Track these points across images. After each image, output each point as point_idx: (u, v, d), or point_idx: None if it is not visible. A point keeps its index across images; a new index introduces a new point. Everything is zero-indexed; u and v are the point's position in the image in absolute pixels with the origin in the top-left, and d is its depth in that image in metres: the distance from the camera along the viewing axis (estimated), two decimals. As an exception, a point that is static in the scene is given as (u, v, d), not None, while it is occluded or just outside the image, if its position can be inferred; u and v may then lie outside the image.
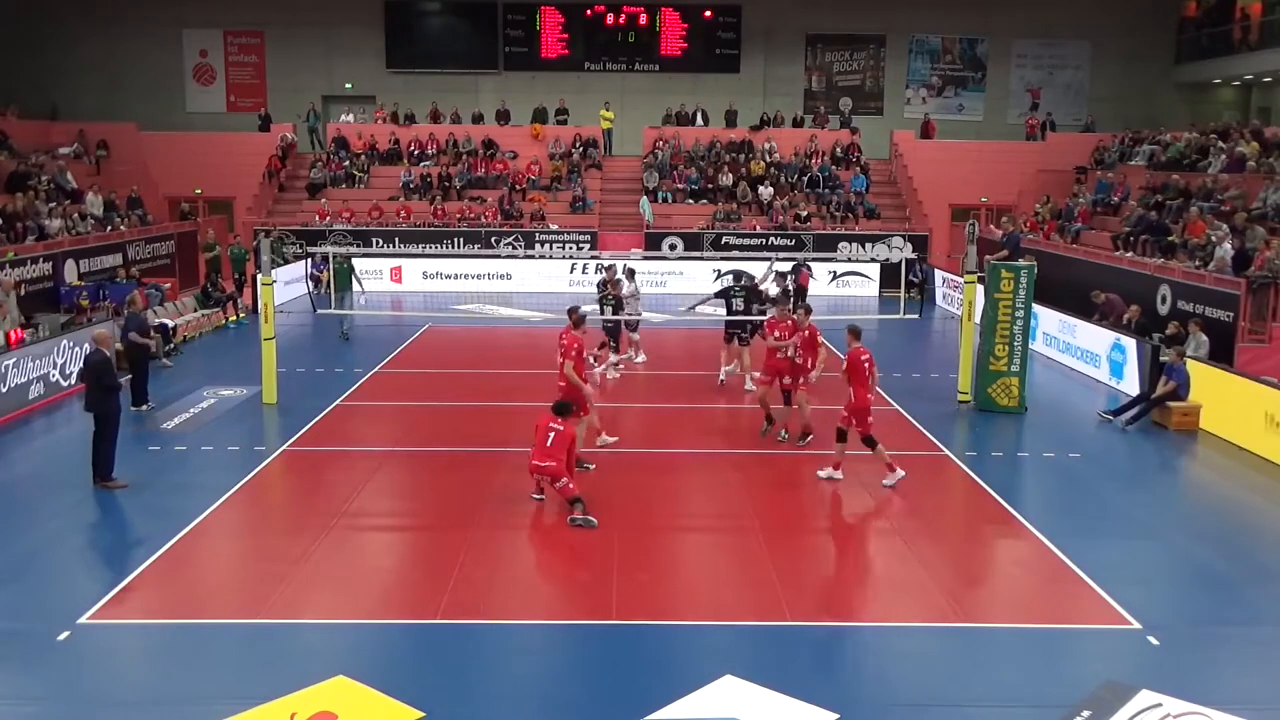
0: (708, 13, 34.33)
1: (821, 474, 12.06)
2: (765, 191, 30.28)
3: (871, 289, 27.54)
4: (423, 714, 6.97)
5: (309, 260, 22.08)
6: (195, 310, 21.63)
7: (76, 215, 23.76)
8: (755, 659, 7.81)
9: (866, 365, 11.79)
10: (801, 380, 13.40)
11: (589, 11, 34.19)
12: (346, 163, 31.19)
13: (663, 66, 34.50)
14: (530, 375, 16.41)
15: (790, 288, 18.28)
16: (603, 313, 16.92)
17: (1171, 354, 14.96)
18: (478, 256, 27.47)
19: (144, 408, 14.87)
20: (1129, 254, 21.52)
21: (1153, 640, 8.19)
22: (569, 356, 11.99)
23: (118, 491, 11.35)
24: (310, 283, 24.13)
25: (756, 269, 18.46)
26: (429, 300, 25.41)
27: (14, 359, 14.49)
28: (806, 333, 13.47)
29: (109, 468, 11.49)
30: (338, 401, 15.42)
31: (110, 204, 25.59)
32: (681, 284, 26.41)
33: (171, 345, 18.64)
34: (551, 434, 10.71)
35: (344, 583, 9.19)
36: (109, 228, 24.53)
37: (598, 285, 18.44)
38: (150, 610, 8.71)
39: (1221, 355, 15.71)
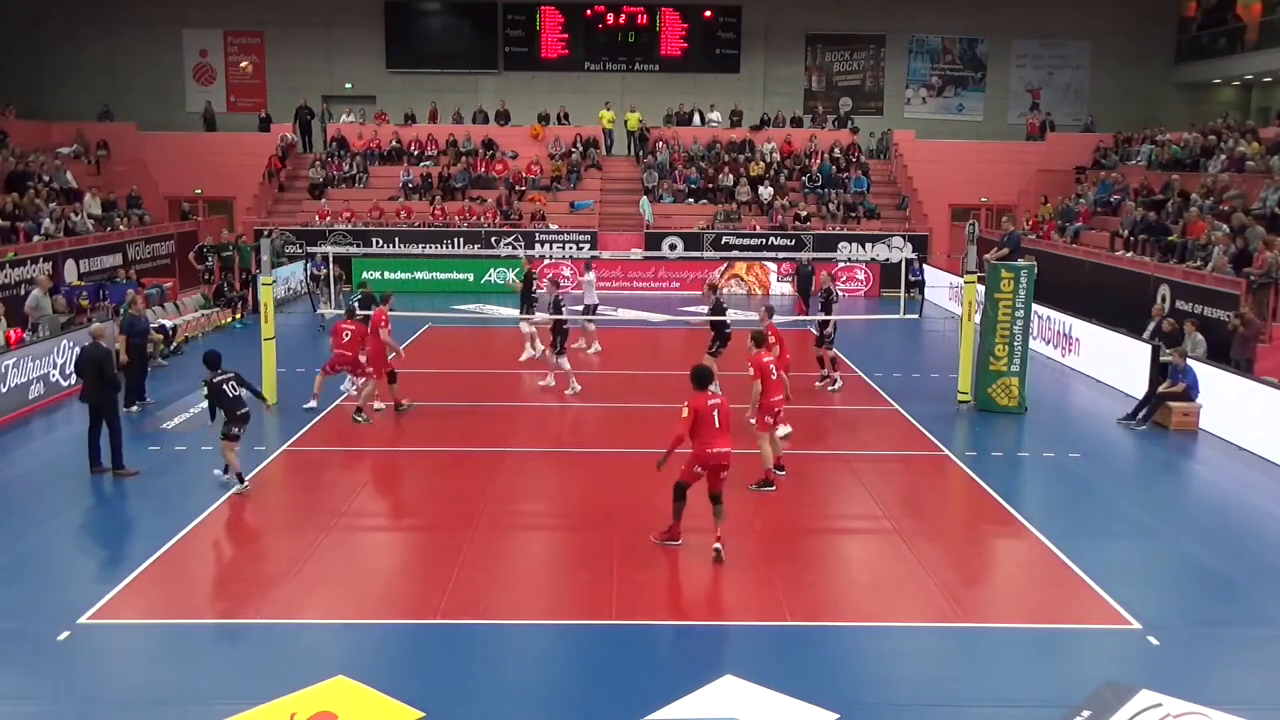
0: (708, 13, 34.31)
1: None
2: (765, 191, 30.29)
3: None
4: (423, 714, 6.96)
5: (309, 260, 22.08)
6: (196, 310, 21.63)
7: (72, 214, 23.73)
8: (755, 659, 7.81)
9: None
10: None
11: (589, 11, 34.16)
12: (346, 163, 31.18)
13: (663, 66, 34.47)
14: (530, 375, 16.43)
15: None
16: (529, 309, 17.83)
17: (1174, 355, 14.96)
18: (478, 257, 27.48)
19: (134, 408, 14.83)
20: (1129, 254, 21.53)
21: (1153, 640, 8.18)
22: None
23: (126, 482, 11.65)
24: (310, 282, 24.19)
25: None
26: (429, 300, 25.37)
27: (14, 359, 14.49)
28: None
29: (119, 457, 11.87)
30: (338, 402, 15.41)
31: (110, 204, 25.59)
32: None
33: (173, 346, 18.64)
34: (715, 411, 9.60)
35: (344, 583, 9.18)
36: (109, 228, 24.54)
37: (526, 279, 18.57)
38: (150, 610, 8.71)
39: (1220, 355, 15.71)
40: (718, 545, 9.60)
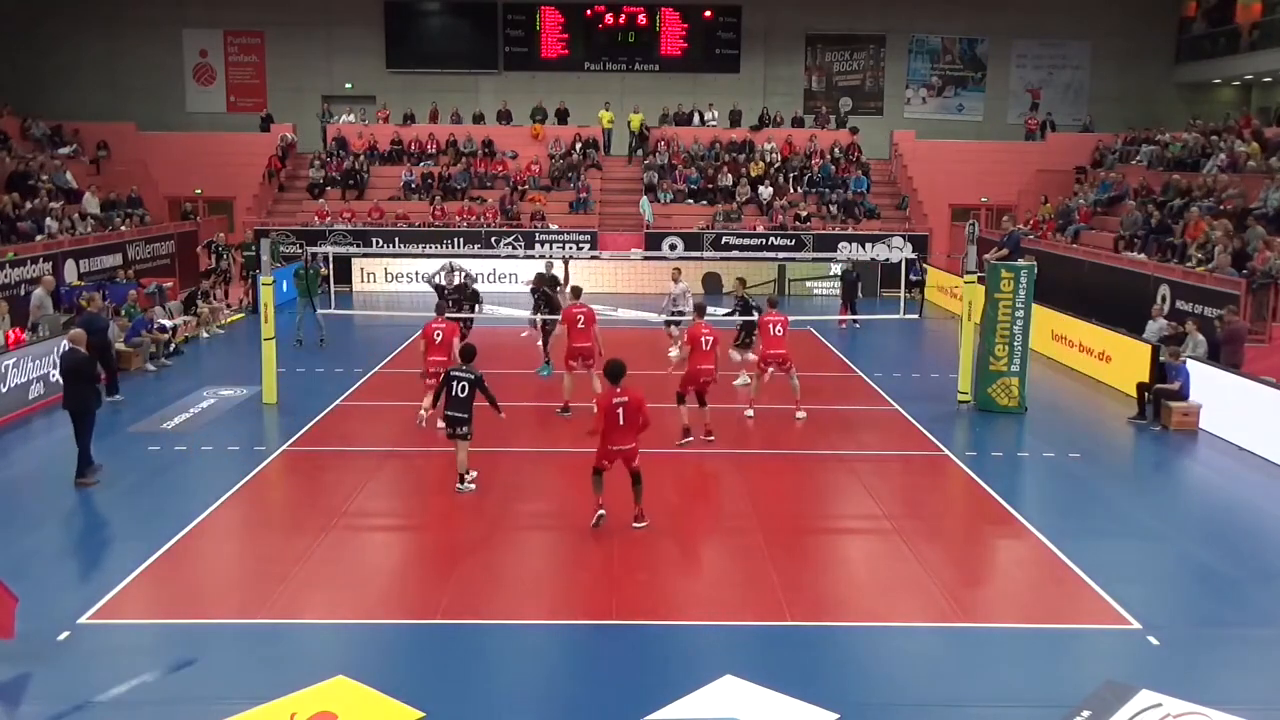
0: (708, 13, 34.32)
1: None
2: (765, 191, 30.29)
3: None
4: (423, 714, 6.96)
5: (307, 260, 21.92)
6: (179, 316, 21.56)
7: (76, 215, 23.74)
8: (755, 659, 7.80)
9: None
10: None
11: (589, 11, 34.18)
12: (348, 162, 31.13)
13: (663, 66, 34.48)
14: (529, 375, 16.42)
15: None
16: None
17: (1166, 353, 15.01)
18: (478, 256, 27.46)
19: None
20: (1134, 254, 21.52)
21: (1153, 640, 8.18)
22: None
23: (127, 481, 11.62)
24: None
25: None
26: (429, 299, 25.33)
27: (14, 359, 14.49)
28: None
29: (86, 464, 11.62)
30: (338, 401, 15.42)
31: (110, 203, 25.59)
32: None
33: (172, 346, 18.64)
34: (620, 409, 9.93)
35: (344, 583, 9.18)
36: (108, 228, 24.54)
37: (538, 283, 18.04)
38: (150, 610, 8.71)
39: (1218, 355, 15.69)
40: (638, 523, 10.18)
